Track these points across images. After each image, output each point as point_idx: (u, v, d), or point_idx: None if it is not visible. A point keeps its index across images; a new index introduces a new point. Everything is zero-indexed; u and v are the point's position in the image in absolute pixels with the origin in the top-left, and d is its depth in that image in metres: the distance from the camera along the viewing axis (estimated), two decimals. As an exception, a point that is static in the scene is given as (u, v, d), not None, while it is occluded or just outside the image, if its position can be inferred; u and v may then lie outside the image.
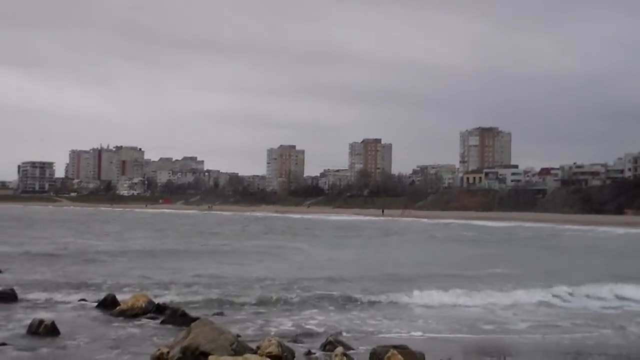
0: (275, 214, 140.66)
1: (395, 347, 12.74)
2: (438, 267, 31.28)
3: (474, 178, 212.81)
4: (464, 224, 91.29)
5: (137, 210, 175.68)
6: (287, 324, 16.26)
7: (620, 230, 75.49)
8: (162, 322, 15.55)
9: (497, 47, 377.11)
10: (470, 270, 29.03)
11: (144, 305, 16.60)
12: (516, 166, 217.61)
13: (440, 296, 20.60)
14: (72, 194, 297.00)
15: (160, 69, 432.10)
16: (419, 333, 15.60)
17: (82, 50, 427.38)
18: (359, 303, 19.71)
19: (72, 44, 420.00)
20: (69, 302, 18.31)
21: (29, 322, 14.59)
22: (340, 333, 14.90)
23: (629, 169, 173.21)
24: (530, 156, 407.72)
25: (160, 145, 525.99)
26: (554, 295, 21.55)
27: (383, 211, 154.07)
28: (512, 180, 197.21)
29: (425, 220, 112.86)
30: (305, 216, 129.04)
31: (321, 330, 15.50)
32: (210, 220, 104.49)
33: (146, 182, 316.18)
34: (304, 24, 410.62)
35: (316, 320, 16.86)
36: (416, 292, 20.87)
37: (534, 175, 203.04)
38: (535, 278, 25.75)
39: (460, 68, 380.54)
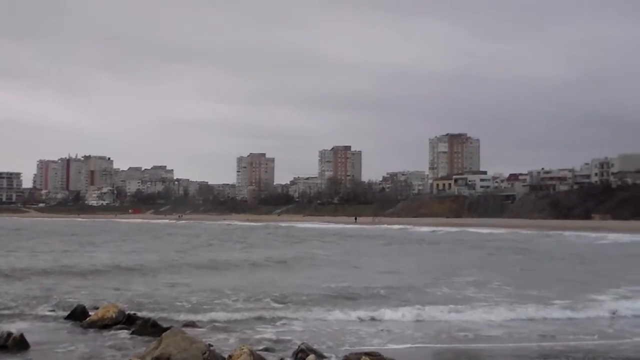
0: (254, 223, 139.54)
1: (367, 354, 12.77)
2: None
3: (444, 184, 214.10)
4: (456, 231, 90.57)
5: (115, 220, 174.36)
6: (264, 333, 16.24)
7: (593, 235, 75.89)
8: (133, 333, 15.41)
9: (473, 52, 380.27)
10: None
11: (114, 315, 16.45)
12: (485, 172, 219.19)
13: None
14: (40, 205, 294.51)
15: (132, 78, 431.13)
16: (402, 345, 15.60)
17: (53, 59, 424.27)
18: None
19: (43, 53, 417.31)
20: (37, 314, 18.08)
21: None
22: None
23: (596, 174, 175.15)
24: (499, 162, 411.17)
25: (129, 154, 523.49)
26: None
27: (356, 218, 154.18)
28: (481, 187, 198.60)
29: (397, 226, 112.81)
30: (281, 224, 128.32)
31: (296, 339, 15.48)
32: (200, 230, 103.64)
33: (115, 191, 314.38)
34: (276, 30, 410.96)
35: (293, 330, 16.85)
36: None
37: (502, 181, 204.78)
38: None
39: (433, 73, 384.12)
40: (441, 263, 38.35)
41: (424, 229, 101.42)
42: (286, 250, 48.00)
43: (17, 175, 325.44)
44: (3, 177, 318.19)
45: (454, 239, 71.45)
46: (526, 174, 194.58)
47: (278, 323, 17.61)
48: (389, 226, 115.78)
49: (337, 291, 23.26)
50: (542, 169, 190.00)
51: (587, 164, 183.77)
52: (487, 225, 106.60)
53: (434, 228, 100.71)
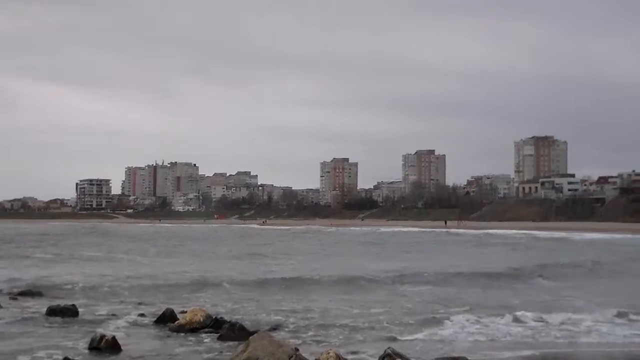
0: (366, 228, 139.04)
1: (454, 358, 12.66)
2: None
3: (530, 188, 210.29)
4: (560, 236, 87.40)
5: (210, 225, 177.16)
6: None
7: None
8: (220, 337, 15.60)
9: (560, 53, 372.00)
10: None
11: (201, 319, 16.69)
12: (573, 175, 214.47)
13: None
14: (129, 211, 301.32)
15: (218, 84, 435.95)
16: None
17: (141, 66, 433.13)
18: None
19: (132, 61, 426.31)
20: (128, 318, 18.46)
21: (90, 337, 14.76)
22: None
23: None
24: (587, 164, 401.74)
25: (214, 160, 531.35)
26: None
27: (446, 222, 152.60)
28: (569, 190, 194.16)
29: (492, 231, 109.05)
30: (387, 230, 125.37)
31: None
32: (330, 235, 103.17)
33: (201, 197, 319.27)
34: (363, 35, 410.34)
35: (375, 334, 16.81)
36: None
37: (591, 184, 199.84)
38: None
39: (520, 75, 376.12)
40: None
41: (538, 233, 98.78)
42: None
43: (107, 182, 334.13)
44: (93, 184, 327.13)
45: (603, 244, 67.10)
46: (616, 177, 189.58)
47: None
48: (491, 231, 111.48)
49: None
50: (633, 171, 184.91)
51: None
52: (591, 229, 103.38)
53: (532, 232, 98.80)
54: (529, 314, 18.90)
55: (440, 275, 30.84)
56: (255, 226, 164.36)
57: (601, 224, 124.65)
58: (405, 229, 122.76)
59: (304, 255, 49.76)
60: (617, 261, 42.15)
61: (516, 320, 18.33)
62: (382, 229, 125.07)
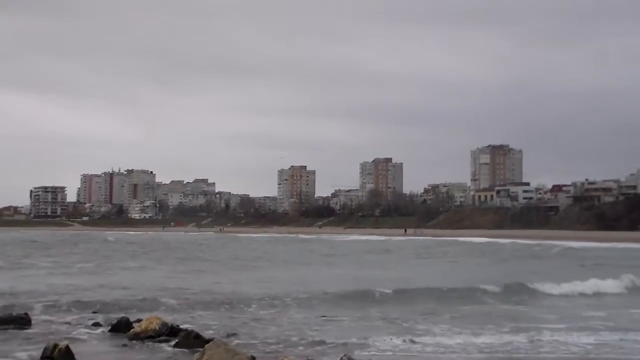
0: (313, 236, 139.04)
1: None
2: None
3: (486, 196, 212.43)
4: (531, 243, 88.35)
5: (167, 233, 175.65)
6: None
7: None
8: (176, 345, 15.51)
9: (516, 63, 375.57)
10: None
11: (157, 327, 16.56)
12: (528, 184, 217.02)
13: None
14: (84, 218, 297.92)
15: (174, 92, 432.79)
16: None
17: (97, 73, 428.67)
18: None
19: (88, 68, 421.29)
20: (83, 326, 18.23)
21: (42, 346, 14.54)
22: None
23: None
24: (542, 173, 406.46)
25: (171, 168, 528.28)
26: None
27: (406, 230, 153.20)
28: (524, 198, 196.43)
29: (446, 238, 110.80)
30: (346, 237, 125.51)
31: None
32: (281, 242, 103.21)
33: (158, 205, 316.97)
34: (320, 43, 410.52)
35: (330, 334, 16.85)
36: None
37: (546, 192, 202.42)
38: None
39: (477, 84, 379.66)
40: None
41: (477, 239, 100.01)
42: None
43: (62, 189, 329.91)
44: (48, 191, 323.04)
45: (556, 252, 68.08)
46: (570, 185, 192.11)
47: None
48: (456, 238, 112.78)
49: None
50: (587, 179, 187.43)
51: (632, 174, 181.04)
52: (539, 237, 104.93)
53: (491, 240, 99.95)
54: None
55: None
56: (244, 236, 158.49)
57: (557, 232, 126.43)
58: (364, 237, 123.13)
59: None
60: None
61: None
62: (346, 237, 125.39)
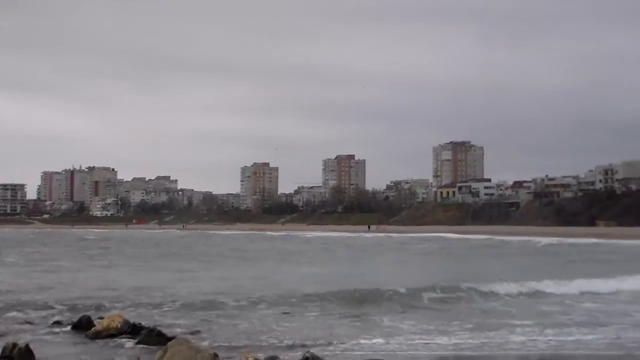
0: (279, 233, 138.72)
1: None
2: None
3: (447, 192, 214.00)
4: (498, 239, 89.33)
5: (131, 230, 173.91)
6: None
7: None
8: (138, 343, 15.43)
9: (479, 61, 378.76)
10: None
11: (119, 325, 16.46)
12: (489, 180, 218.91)
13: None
14: (45, 216, 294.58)
15: (136, 89, 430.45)
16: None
17: (58, 70, 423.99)
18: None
19: (49, 65, 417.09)
20: (43, 325, 18.06)
21: (1, 345, 14.39)
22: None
23: (600, 181, 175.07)
24: (504, 170, 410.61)
25: (133, 165, 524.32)
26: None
27: (369, 227, 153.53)
28: (485, 194, 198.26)
29: (410, 234, 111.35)
30: (308, 234, 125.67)
31: (298, 344, 15.50)
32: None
33: (119, 202, 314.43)
34: (284, 41, 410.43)
35: (296, 334, 16.90)
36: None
37: (506, 188, 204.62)
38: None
39: (439, 81, 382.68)
40: None
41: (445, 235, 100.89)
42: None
43: (22, 186, 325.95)
44: (7, 189, 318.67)
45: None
46: (530, 182, 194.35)
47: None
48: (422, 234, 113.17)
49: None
50: (546, 176, 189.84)
51: (591, 170, 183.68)
52: (502, 232, 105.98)
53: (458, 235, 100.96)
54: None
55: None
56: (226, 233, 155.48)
57: (518, 228, 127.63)
58: (325, 234, 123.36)
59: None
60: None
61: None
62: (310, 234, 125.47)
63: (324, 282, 29.15)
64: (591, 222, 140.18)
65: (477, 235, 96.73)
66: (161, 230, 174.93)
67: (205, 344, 14.64)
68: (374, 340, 16.31)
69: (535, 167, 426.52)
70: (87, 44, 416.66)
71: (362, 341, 16.18)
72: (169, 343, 12.75)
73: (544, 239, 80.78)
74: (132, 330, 16.45)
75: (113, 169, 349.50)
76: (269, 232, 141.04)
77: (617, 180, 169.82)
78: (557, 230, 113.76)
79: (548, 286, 26.61)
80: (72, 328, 17.40)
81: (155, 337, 15.39)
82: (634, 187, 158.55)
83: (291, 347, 15.28)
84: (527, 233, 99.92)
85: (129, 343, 15.51)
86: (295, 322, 19.03)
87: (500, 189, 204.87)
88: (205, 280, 31.52)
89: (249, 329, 17.79)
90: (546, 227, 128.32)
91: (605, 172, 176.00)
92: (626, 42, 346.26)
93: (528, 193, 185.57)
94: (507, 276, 29.72)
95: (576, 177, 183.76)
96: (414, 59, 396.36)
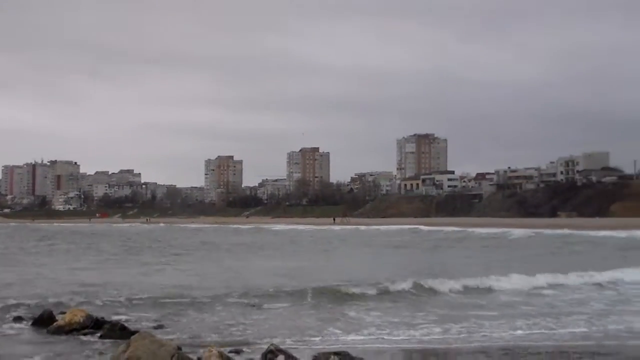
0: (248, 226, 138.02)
1: (335, 353, 12.85)
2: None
3: (411, 184, 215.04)
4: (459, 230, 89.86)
5: (97, 225, 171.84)
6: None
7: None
8: (101, 337, 15.33)
9: (443, 53, 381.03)
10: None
11: (81, 320, 16.31)
12: (452, 172, 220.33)
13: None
14: (6, 210, 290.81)
15: (99, 82, 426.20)
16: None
17: (23, 64, 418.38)
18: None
19: (15, 59, 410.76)
20: (3, 321, 17.81)
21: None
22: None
23: (561, 172, 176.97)
24: (467, 162, 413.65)
25: (96, 158, 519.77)
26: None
27: (334, 219, 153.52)
28: (448, 186, 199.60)
29: (375, 227, 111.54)
30: (275, 227, 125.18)
31: (263, 336, 15.50)
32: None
33: (82, 196, 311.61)
34: (249, 34, 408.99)
35: (260, 327, 16.92)
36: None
37: (470, 180, 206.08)
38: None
39: (403, 74, 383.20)
40: None
41: (394, 227, 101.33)
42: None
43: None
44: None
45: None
46: (493, 174, 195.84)
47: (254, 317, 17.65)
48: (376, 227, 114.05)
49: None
50: (509, 168, 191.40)
51: (552, 162, 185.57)
52: (468, 224, 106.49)
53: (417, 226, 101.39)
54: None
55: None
56: (192, 226, 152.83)
57: (482, 219, 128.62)
58: (291, 227, 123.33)
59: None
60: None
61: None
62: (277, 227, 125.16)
63: (292, 276, 29.30)
64: (553, 213, 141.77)
65: (448, 228, 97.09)
66: (126, 224, 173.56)
67: (169, 337, 14.59)
68: (339, 332, 16.40)
69: (498, 159, 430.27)
70: (48, 37, 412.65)
71: (328, 334, 16.25)
72: (132, 337, 12.67)
73: (516, 230, 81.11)
74: (95, 324, 16.33)
75: (75, 163, 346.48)
76: (236, 225, 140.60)
77: (578, 171, 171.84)
78: (523, 221, 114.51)
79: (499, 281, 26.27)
80: (33, 324, 17.18)
81: (118, 331, 15.32)
82: (594, 178, 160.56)
83: (256, 340, 15.27)
84: (493, 224, 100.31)
85: (91, 337, 15.41)
86: (262, 315, 19.04)
87: (464, 181, 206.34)
88: (172, 274, 31.49)
89: (215, 323, 17.78)
90: (513, 219, 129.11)
91: (567, 163, 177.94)
92: (593, 36, 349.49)
93: (491, 185, 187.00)
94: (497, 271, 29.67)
95: (538, 169, 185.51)
96: (379, 52, 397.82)
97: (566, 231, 77.85)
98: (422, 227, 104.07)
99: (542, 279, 26.71)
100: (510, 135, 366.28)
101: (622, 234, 68.09)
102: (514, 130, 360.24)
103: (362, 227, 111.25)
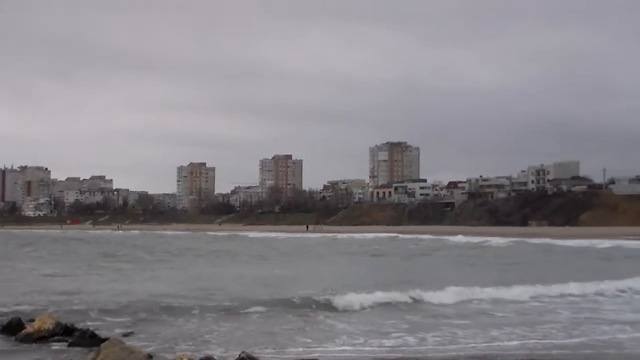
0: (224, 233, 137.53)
1: (308, 360, 12.87)
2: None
3: (384, 192, 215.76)
4: (433, 238, 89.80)
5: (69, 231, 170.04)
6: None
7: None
8: (71, 345, 15.17)
9: (416, 61, 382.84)
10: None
11: (51, 327, 16.13)
12: (425, 180, 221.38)
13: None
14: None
15: (71, 86, 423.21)
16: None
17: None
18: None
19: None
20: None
21: None
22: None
23: (532, 181, 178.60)
24: (440, 170, 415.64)
25: (67, 164, 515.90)
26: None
27: (307, 227, 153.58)
28: (421, 194, 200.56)
29: (350, 235, 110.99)
30: (250, 234, 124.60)
31: (235, 344, 15.45)
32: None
33: (53, 202, 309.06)
34: (223, 40, 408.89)
35: (233, 335, 16.89)
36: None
37: (442, 188, 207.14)
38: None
39: (376, 81, 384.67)
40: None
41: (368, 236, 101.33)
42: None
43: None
44: None
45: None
46: (465, 182, 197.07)
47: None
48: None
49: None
50: (480, 176, 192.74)
51: (523, 171, 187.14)
52: (436, 232, 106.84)
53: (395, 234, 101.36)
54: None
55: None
56: (169, 233, 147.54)
57: (453, 228, 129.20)
58: (265, 234, 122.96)
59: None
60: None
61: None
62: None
63: (269, 284, 29.17)
64: (524, 222, 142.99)
65: (424, 236, 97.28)
66: (98, 231, 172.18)
67: (140, 345, 14.50)
68: (311, 341, 16.39)
69: (470, 168, 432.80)
70: (22, 38, 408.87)
71: (301, 343, 16.21)
72: (102, 344, 12.59)
73: (493, 239, 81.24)
74: (65, 332, 16.15)
75: (46, 169, 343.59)
76: (212, 233, 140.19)
77: (548, 180, 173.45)
78: (498, 230, 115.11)
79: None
80: (1, 331, 16.96)
81: (88, 339, 15.16)
82: (564, 187, 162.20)
83: (229, 348, 15.22)
84: (468, 233, 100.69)
85: (61, 345, 15.26)
86: (235, 323, 18.97)
87: (436, 190, 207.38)
88: (146, 282, 31.27)
89: (188, 331, 17.67)
90: (488, 227, 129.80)
91: (537, 172, 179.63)
92: (567, 45, 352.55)
93: (463, 193, 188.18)
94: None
95: (509, 178, 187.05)
96: (352, 60, 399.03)
97: (547, 240, 78.09)
98: (400, 235, 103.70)
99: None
100: (483, 144, 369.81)
101: (605, 243, 67.75)
102: (486, 139, 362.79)
103: (340, 235, 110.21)
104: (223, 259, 51.49)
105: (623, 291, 26.53)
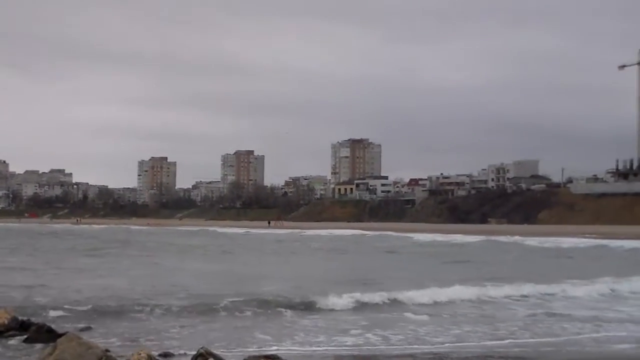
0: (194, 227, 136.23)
1: (266, 357, 12.82)
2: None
3: (345, 189, 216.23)
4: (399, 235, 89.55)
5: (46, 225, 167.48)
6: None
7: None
8: (27, 340, 14.99)
9: (379, 58, 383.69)
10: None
11: (6, 322, 15.91)
12: (386, 177, 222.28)
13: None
14: None
15: (29, 77, 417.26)
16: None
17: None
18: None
19: None
20: None
21: None
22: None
23: (492, 180, 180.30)
24: (401, 167, 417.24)
25: (26, 157, 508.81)
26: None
27: (269, 222, 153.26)
28: (382, 191, 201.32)
29: (314, 231, 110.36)
30: (219, 230, 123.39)
31: (195, 340, 15.37)
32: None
33: (11, 195, 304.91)
34: (187, 34, 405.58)
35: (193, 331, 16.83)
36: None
37: (403, 186, 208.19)
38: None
39: (339, 78, 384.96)
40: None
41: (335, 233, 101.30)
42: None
43: None
44: None
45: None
46: (426, 179, 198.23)
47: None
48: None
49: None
50: (441, 174, 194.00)
51: (484, 169, 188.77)
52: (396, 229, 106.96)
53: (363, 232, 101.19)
54: None
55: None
56: (137, 228, 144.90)
57: (413, 225, 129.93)
58: (229, 229, 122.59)
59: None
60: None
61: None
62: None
63: (233, 282, 28.86)
64: (483, 220, 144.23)
65: (389, 233, 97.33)
66: (57, 225, 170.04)
67: (98, 340, 14.37)
68: (270, 338, 16.37)
69: (431, 165, 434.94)
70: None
71: (260, 340, 16.18)
72: (58, 340, 12.44)
73: (458, 236, 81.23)
74: (21, 326, 15.95)
75: (4, 161, 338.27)
76: (179, 227, 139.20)
77: (508, 179, 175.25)
78: (451, 227, 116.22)
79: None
80: (-45, 326, 16.73)
81: (45, 334, 15.00)
82: (523, 186, 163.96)
83: (188, 344, 15.14)
84: (429, 230, 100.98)
85: (16, 340, 15.07)
86: (196, 319, 18.89)
87: (397, 187, 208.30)
88: (107, 277, 30.97)
89: (148, 327, 17.56)
90: (449, 224, 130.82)
91: (498, 171, 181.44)
92: (527, 44, 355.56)
93: (423, 191, 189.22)
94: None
95: (470, 176, 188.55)
96: (315, 57, 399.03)
97: (517, 238, 78.15)
98: (367, 232, 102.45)
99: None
100: (444, 142, 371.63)
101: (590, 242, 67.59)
102: (447, 137, 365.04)
103: (308, 232, 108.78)
104: (190, 254, 51.13)
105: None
